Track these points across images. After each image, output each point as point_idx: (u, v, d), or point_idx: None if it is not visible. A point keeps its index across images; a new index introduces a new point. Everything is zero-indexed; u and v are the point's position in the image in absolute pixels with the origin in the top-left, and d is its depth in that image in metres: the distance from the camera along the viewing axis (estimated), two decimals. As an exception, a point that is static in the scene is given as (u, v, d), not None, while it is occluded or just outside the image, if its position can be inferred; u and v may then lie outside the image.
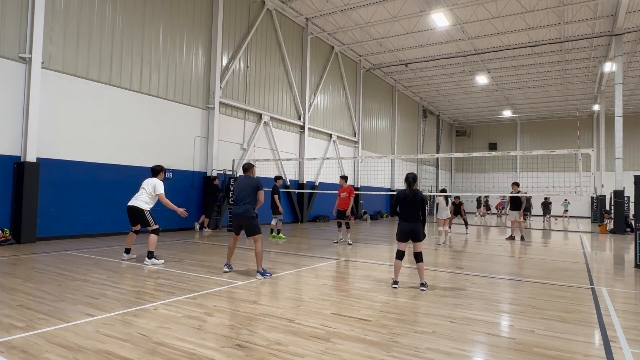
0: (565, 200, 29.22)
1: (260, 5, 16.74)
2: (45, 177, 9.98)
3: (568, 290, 6.14)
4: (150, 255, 7.39)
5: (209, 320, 4.25)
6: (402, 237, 6.11)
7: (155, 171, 7.81)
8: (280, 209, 12.17)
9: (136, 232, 7.81)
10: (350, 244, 11.13)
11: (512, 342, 3.88)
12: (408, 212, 6.02)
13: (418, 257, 6.04)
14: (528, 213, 27.86)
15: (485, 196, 29.01)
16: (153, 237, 7.47)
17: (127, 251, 7.80)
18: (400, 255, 6.16)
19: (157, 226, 7.61)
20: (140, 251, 8.53)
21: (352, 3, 17.34)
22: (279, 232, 12.36)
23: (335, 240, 11.21)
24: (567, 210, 29.19)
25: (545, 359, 3.48)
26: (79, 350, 3.38)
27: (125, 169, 11.78)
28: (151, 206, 7.63)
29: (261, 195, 6.67)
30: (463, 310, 4.90)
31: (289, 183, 18.38)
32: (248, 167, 6.96)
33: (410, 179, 6.14)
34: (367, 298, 5.37)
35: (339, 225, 11.44)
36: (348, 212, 11.29)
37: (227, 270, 6.82)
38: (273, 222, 12.58)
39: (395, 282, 6.07)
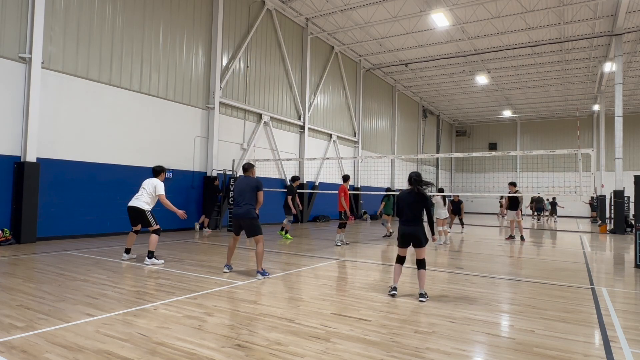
0: (547, 199, 29.06)
1: (260, 5, 16.74)
2: (45, 177, 9.98)
3: (568, 290, 6.14)
4: (151, 255, 7.39)
5: (209, 320, 4.25)
6: (401, 242, 5.58)
7: (156, 172, 7.80)
8: (294, 210, 12.19)
9: (136, 232, 7.81)
10: (338, 245, 10.81)
11: (512, 342, 3.88)
12: (408, 214, 5.49)
13: (421, 264, 5.49)
14: (541, 213, 27.95)
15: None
16: (154, 237, 7.47)
17: (127, 251, 7.80)
18: (400, 259, 5.63)
19: (158, 226, 7.61)
20: (140, 251, 8.53)
21: (352, 3, 17.34)
22: (286, 232, 12.38)
23: (338, 244, 11.03)
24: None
25: (545, 359, 3.48)
26: (79, 350, 3.38)
27: (125, 169, 11.78)
28: (152, 206, 7.63)
29: (260, 196, 6.65)
30: (463, 310, 4.90)
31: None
32: (248, 167, 6.92)
33: (413, 179, 5.54)
34: (367, 298, 5.37)
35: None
36: (347, 212, 11.10)
37: (227, 270, 6.82)
38: (285, 221, 12.54)
39: (394, 289, 5.51)
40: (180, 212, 7.55)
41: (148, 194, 7.59)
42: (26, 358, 3.22)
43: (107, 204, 11.32)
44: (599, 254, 11.09)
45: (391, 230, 13.74)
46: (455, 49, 22.17)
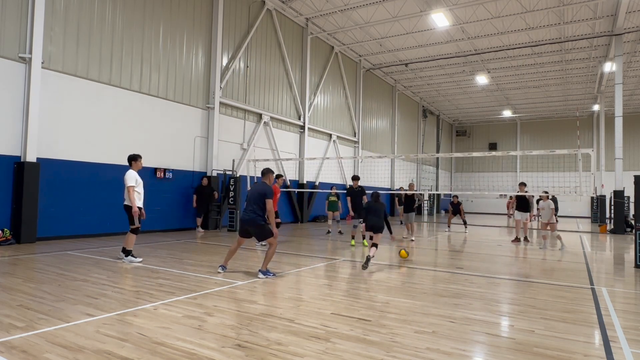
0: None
1: (260, 5, 16.73)
2: (45, 177, 9.97)
3: (568, 290, 6.13)
4: (127, 252, 7.41)
5: (209, 320, 4.25)
6: (368, 227, 8.10)
7: (128, 160, 7.77)
8: (351, 213, 10.96)
9: None
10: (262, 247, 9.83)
11: (512, 342, 3.88)
12: (375, 213, 8.04)
13: (375, 245, 7.68)
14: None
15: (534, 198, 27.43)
16: (131, 236, 7.48)
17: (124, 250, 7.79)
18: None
19: (138, 226, 7.55)
20: (137, 251, 8.52)
21: (352, 3, 17.33)
22: (352, 237, 11.23)
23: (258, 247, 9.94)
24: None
25: (545, 359, 3.48)
26: (79, 350, 3.38)
27: (125, 169, 11.62)
28: (139, 203, 7.60)
29: (269, 204, 6.51)
30: (463, 310, 4.90)
31: (288, 183, 18.38)
32: (265, 172, 6.77)
33: (375, 195, 8.26)
34: (367, 298, 5.37)
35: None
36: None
37: (220, 271, 6.74)
38: (355, 225, 11.24)
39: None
40: (135, 210, 7.37)
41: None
42: (26, 358, 3.22)
43: (107, 204, 11.30)
44: (599, 254, 11.09)
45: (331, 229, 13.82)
46: (455, 49, 22.16)
